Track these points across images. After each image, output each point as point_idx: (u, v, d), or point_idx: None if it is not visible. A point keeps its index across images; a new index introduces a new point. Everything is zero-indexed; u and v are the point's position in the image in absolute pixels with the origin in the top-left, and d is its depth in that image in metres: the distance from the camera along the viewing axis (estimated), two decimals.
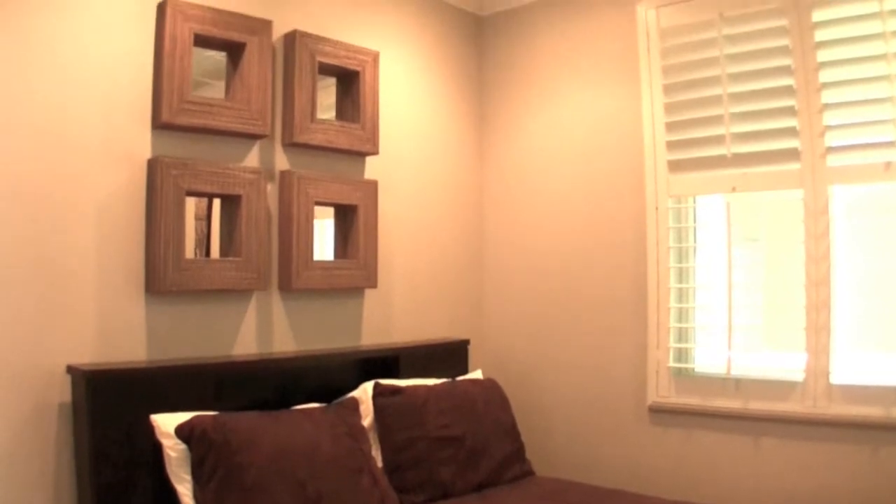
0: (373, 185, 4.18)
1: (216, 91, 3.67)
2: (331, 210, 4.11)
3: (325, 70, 4.03)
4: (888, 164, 3.55)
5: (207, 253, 3.67)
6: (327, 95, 4.15)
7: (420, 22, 4.73)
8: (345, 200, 4.06)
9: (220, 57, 3.68)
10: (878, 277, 3.73)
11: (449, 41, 4.93)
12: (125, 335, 3.27)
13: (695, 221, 4.24)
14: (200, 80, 3.60)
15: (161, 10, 3.37)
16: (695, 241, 4.22)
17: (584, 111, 4.60)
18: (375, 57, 4.19)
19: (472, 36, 5.10)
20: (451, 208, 4.88)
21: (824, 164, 3.71)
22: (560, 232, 4.68)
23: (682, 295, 4.21)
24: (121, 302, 3.26)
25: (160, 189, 3.29)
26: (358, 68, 4.11)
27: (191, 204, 3.52)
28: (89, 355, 3.15)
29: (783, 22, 3.83)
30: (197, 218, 3.64)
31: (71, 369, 3.04)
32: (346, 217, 4.12)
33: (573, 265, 4.60)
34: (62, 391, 3.06)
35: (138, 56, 3.35)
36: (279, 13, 3.86)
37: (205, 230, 3.68)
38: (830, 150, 3.70)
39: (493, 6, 5.08)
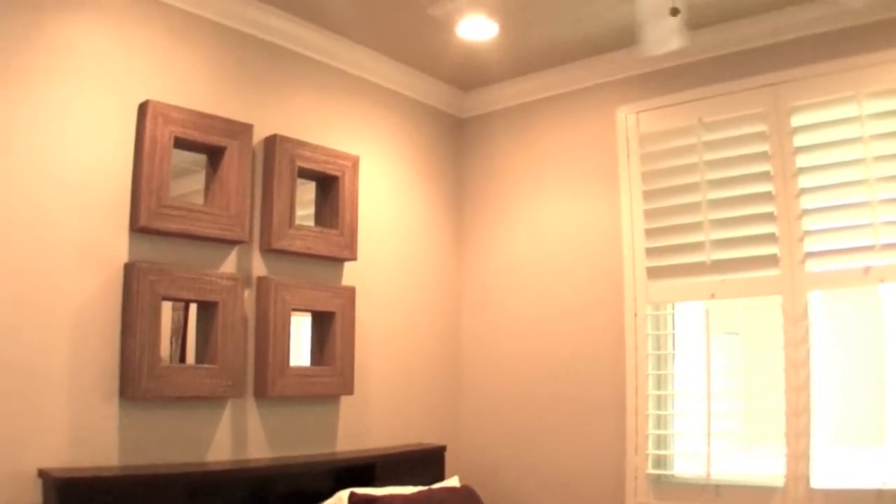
0: (350, 292, 4.16)
1: (181, 188, 3.62)
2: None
3: (305, 174, 4.03)
4: (867, 269, 3.58)
5: (183, 348, 3.63)
6: (306, 191, 4.14)
7: (401, 124, 4.77)
8: (322, 307, 4.03)
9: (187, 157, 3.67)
10: (857, 378, 3.74)
11: (429, 143, 4.97)
12: (98, 440, 3.20)
13: (674, 328, 4.24)
14: None
15: (142, 111, 3.38)
16: (673, 348, 4.20)
17: (563, 216, 4.63)
18: (355, 162, 4.21)
19: (452, 138, 5.15)
20: (429, 314, 4.85)
21: (803, 270, 3.73)
22: (538, 338, 4.65)
23: (660, 401, 4.18)
24: (94, 406, 3.19)
25: (136, 294, 3.25)
26: (338, 173, 4.11)
27: None
28: (62, 459, 3.08)
29: (762, 127, 3.90)
30: (174, 308, 3.60)
31: (42, 473, 2.97)
32: (323, 323, 4.09)
33: (551, 371, 4.57)
34: (34, 495, 2.97)
35: (117, 157, 3.34)
36: (260, 116, 3.89)
37: (181, 320, 3.64)
38: (809, 255, 3.74)
39: (474, 109, 5.14)
